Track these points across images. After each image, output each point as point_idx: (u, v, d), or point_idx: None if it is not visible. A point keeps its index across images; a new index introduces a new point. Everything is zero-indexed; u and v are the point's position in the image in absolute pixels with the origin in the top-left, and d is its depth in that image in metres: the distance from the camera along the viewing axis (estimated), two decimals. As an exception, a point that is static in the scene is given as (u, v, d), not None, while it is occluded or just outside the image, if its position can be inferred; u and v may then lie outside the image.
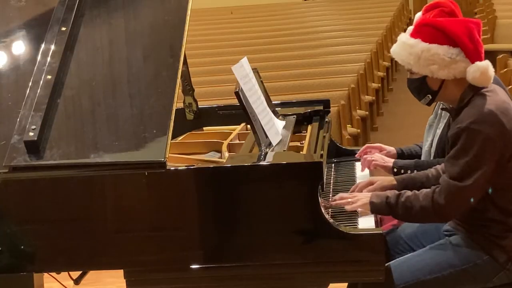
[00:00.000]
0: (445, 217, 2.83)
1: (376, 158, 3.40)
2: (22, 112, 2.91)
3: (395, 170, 3.32)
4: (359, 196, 2.95)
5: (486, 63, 2.80)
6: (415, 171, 3.25)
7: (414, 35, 2.85)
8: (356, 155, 3.61)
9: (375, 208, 2.88)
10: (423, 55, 2.81)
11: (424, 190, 2.81)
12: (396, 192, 2.87)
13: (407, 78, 2.94)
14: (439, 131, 3.33)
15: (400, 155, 3.52)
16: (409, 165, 3.32)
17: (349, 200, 2.94)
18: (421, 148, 3.54)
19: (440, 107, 3.19)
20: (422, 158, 3.45)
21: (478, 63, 2.78)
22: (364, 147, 3.59)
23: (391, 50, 2.96)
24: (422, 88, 2.89)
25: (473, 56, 2.79)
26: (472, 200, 2.75)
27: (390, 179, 3.11)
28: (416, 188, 2.95)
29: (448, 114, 3.26)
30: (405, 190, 2.87)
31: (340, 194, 3.01)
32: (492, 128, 2.72)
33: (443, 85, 2.85)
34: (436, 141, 3.34)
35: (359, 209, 2.96)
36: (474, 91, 2.82)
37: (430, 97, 2.90)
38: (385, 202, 2.85)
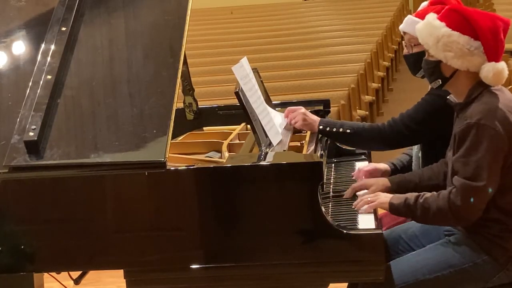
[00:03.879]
0: (462, 219, 2.80)
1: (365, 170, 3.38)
2: (22, 112, 2.91)
3: (321, 127, 3.35)
4: (380, 195, 2.95)
5: (501, 65, 2.79)
6: (340, 128, 3.29)
7: (441, 18, 2.84)
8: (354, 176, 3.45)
9: (394, 209, 2.89)
10: (443, 39, 2.80)
11: (442, 191, 2.80)
12: (415, 193, 2.87)
13: (424, 58, 2.94)
14: None
15: (394, 170, 3.50)
16: (335, 123, 3.36)
17: (369, 199, 2.95)
18: (409, 156, 3.54)
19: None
20: (413, 161, 3.45)
21: (494, 63, 2.78)
22: (357, 170, 3.45)
23: (416, 26, 2.96)
24: (435, 71, 2.88)
25: (491, 54, 2.79)
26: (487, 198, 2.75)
27: (384, 182, 3.10)
28: (410, 189, 2.96)
29: None
30: (424, 192, 2.86)
31: (360, 197, 3.01)
32: (500, 125, 2.72)
33: (455, 74, 2.85)
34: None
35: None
36: (483, 88, 2.82)
37: (440, 82, 2.90)
38: (403, 203, 2.85)
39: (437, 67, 2.87)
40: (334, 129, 3.32)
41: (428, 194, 2.82)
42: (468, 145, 2.74)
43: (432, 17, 2.87)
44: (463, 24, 2.79)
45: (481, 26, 2.77)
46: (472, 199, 2.72)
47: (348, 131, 3.29)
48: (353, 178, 3.42)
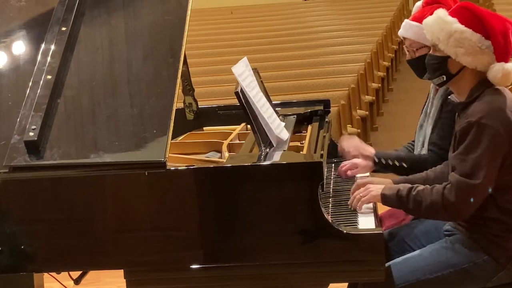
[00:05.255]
0: (455, 215, 2.81)
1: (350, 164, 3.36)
2: (22, 112, 2.91)
3: (376, 160, 3.32)
4: (371, 188, 2.96)
5: (511, 66, 2.80)
6: (396, 162, 3.27)
7: (452, 14, 2.84)
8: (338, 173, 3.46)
9: (386, 200, 2.89)
10: (455, 35, 2.80)
11: (436, 185, 2.80)
12: (408, 185, 2.87)
13: (429, 53, 2.93)
14: (428, 131, 3.33)
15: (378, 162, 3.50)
16: (390, 155, 3.33)
17: (361, 195, 2.95)
18: (408, 150, 3.53)
19: (437, 99, 3.19)
20: None
21: (503, 63, 2.79)
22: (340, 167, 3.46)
23: (424, 21, 2.94)
24: (441, 67, 2.88)
25: (500, 54, 2.79)
26: (481, 198, 2.75)
27: (388, 183, 3.09)
28: None
29: (434, 116, 3.27)
30: (417, 184, 2.86)
31: (353, 196, 3.01)
32: (501, 125, 2.73)
33: (462, 71, 2.85)
34: (427, 141, 3.33)
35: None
36: (484, 87, 2.82)
37: (445, 78, 2.89)
38: (395, 194, 2.85)
39: (444, 62, 2.86)
40: (390, 162, 3.32)
41: (421, 187, 2.82)
42: (468, 143, 2.75)
43: (443, 12, 2.86)
44: (475, 22, 2.80)
45: (493, 26, 2.78)
46: (466, 197, 2.72)
47: (405, 165, 3.29)
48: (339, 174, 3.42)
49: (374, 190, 2.93)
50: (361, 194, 2.96)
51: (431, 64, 2.91)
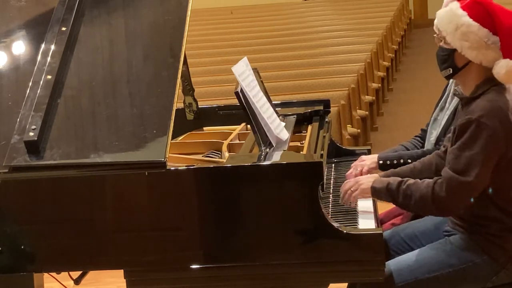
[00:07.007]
0: (444, 210, 2.81)
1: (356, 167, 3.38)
2: (22, 112, 2.91)
3: (381, 162, 3.36)
4: (361, 181, 2.96)
5: None
6: (401, 160, 3.31)
7: (464, 7, 2.84)
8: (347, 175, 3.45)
9: (376, 193, 2.90)
10: (462, 28, 2.80)
11: (426, 180, 2.80)
12: (399, 178, 2.87)
13: (439, 44, 2.92)
14: (443, 122, 3.34)
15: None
16: (392, 156, 3.37)
17: (351, 189, 2.95)
18: (406, 148, 3.54)
19: (453, 91, 3.19)
20: (426, 147, 3.46)
21: (509, 60, 2.78)
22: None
23: (437, 12, 2.93)
24: (448, 60, 2.88)
25: (507, 51, 2.78)
26: (471, 199, 2.75)
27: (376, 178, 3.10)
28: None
29: (453, 108, 3.27)
30: (407, 178, 2.87)
31: (343, 187, 3.02)
32: (500, 125, 2.72)
33: (468, 66, 2.85)
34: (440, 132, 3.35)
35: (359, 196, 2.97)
36: (490, 85, 2.82)
37: (451, 71, 2.89)
38: (385, 188, 2.85)
39: (451, 55, 2.86)
40: (395, 161, 3.34)
41: (411, 181, 2.83)
42: (465, 140, 2.75)
43: (455, 5, 2.86)
44: (485, 17, 2.79)
45: (502, 22, 2.77)
46: (455, 193, 2.72)
47: (409, 160, 3.29)
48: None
49: (364, 183, 2.94)
50: (352, 189, 2.96)
51: (440, 56, 2.92)
